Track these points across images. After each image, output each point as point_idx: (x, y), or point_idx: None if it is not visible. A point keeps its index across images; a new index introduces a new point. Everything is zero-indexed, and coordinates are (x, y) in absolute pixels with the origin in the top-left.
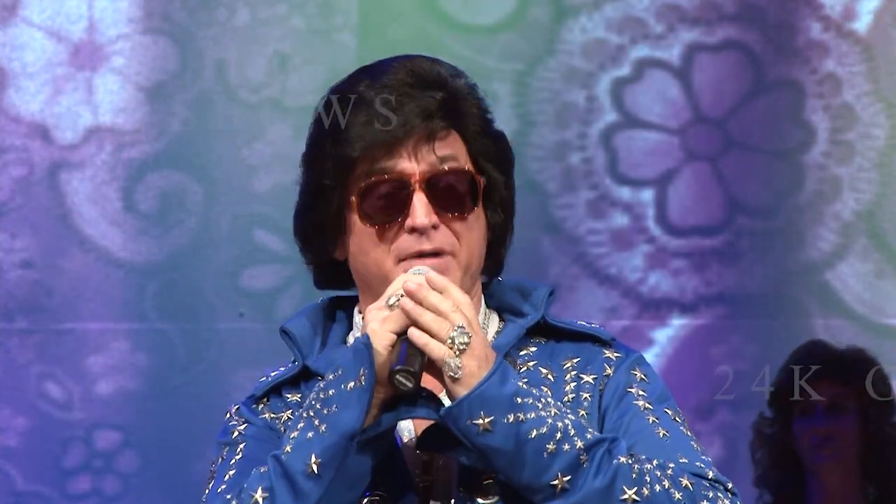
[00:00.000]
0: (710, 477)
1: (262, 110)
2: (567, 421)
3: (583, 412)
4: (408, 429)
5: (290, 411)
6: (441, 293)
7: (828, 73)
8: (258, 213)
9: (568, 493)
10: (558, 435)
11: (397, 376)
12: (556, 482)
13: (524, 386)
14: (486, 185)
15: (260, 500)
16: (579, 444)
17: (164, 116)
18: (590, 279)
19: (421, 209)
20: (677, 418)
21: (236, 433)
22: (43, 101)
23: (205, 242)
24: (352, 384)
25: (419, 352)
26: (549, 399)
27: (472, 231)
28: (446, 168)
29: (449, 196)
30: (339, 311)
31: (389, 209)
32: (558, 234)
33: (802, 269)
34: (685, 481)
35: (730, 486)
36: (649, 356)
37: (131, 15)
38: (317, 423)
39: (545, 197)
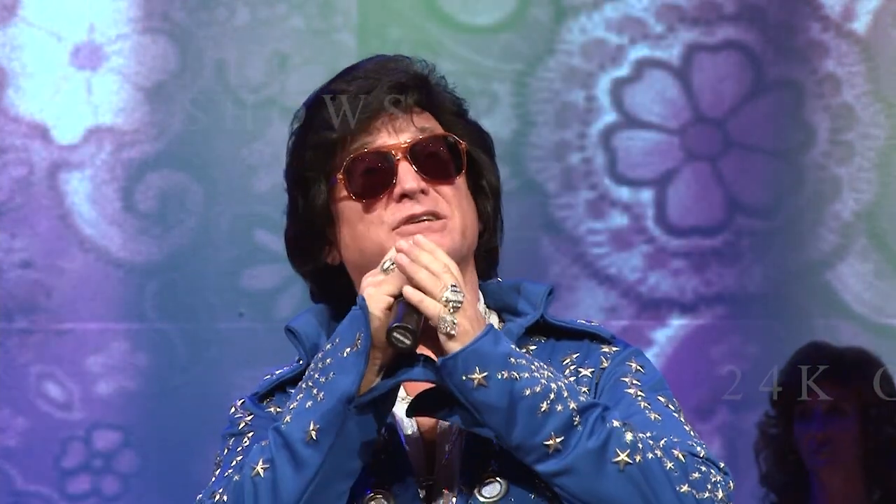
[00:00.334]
0: (701, 455)
1: (262, 110)
2: (561, 383)
3: None
4: (410, 426)
5: None
6: (430, 254)
7: (827, 73)
8: (258, 213)
9: (560, 454)
10: (552, 395)
11: (394, 333)
12: (549, 442)
13: (517, 349)
14: (473, 165)
15: (261, 472)
16: (573, 405)
17: (163, 116)
18: (589, 279)
19: (408, 175)
20: (671, 405)
21: (243, 424)
22: (43, 101)
23: (205, 242)
24: (348, 350)
25: (416, 311)
26: (543, 364)
27: (462, 198)
28: (427, 137)
29: (433, 163)
30: (345, 310)
31: (376, 183)
32: (558, 234)
33: (802, 269)
34: (678, 453)
35: (721, 465)
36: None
37: (131, 15)
38: (315, 391)
39: (545, 197)
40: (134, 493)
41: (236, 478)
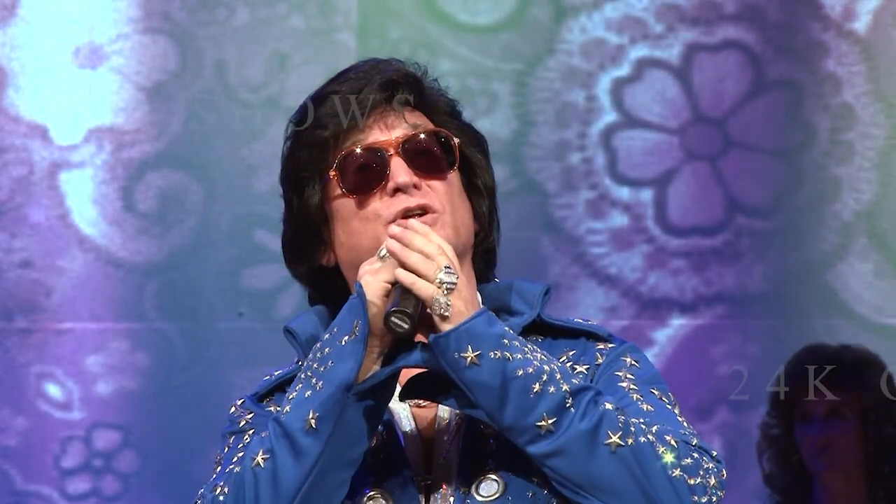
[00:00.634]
0: (694, 443)
1: (261, 110)
2: (554, 366)
3: None
4: (409, 424)
5: None
6: (424, 237)
7: (827, 72)
8: (258, 213)
9: (553, 435)
10: (544, 377)
11: (392, 318)
12: (541, 423)
13: (510, 331)
14: (467, 164)
15: (261, 462)
16: (565, 387)
17: (163, 116)
18: (589, 279)
19: (400, 170)
20: (664, 398)
21: (243, 422)
22: (43, 101)
23: (205, 242)
24: (346, 338)
25: (413, 296)
26: (536, 348)
27: (455, 194)
28: (419, 132)
29: (426, 158)
30: None
31: (369, 179)
32: (558, 234)
33: (802, 269)
34: (670, 439)
35: (714, 453)
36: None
37: (131, 15)
38: (314, 381)
39: (545, 197)
40: (134, 493)
41: (237, 469)
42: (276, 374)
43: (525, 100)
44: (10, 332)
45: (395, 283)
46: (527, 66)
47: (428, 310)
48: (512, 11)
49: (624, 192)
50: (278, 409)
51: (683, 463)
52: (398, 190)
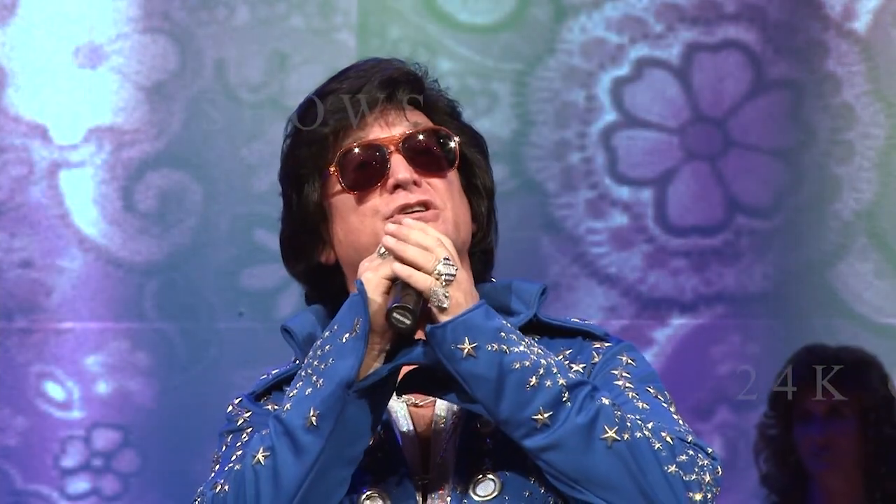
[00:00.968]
0: (689, 440)
1: (261, 110)
2: (551, 360)
3: None
4: (406, 423)
5: None
6: (421, 231)
7: (827, 72)
8: (258, 213)
9: (549, 429)
10: (541, 371)
11: (394, 314)
12: (537, 416)
13: (508, 325)
14: (466, 163)
15: (261, 460)
16: (562, 381)
17: (163, 116)
18: (589, 279)
19: (400, 166)
20: (660, 396)
21: (241, 420)
22: (43, 101)
23: (204, 242)
24: (347, 335)
25: (414, 291)
26: (533, 342)
27: (454, 192)
28: (419, 130)
29: (426, 156)
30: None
31: (369, 175)
32: (558, 233)
33: (802, 269)
34: (666, 436)
35: (710, 450)
36: (649, 356)
37: (131, 14)
38: (314, 378)
39: (545, 197)
40: (134, 492)
41: (237, 467)
42: (273, 372)
43: (525, 100)
44: (10, 332)
45: (396, 280)
46: (527, 66)
47: (427, 304)
48: (512, 11)
49: (624, 192)
50: (276, 407)
51: (679, 459)
52: (398, 186)
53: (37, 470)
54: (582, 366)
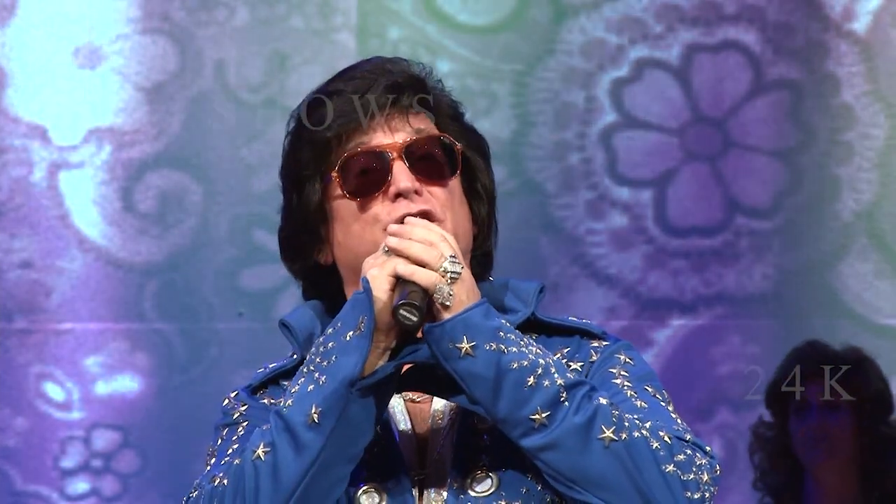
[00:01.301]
0: (687, 439)
1: (261, 110)
2: (549, 360)
3: None
4: (403, 419)
5: None
6: (424, 228)
7: (827, 73)
8: (257, 213)
9: (546, 429)
10: (539, 370)
11: (401, 311)
12: (535, 416)
13: (507, 324)
14: (468, 168)
15: (262, 455)
16: (560, 381)
17: (163, 116)
18: (589, 279)
19: (402, 175)
20: (658, 395)
21: (237, 414)
22: (43, 101)
23: (204, 242)
24: (351, 333)
25: (420, 288)
26: (531, 341)
27: (455, 201)
28: (423, 137)
29: (428, 164)
30: (338, 306)
31: (371, 182)
32: (557, 234)
33: (802, 269)
34: (664, 435)
35: (708, 449)
36: (648, 357)
37: (131, 15)
38: (317, 375)
39: (544, 197)
40: (134, 493)
41: (237, 461)
42: (271, 366)
43: (525, 100)
44: (9, 332)
45: (400, 277)
46: (526, 67)
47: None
48: (512, 12)
49: (623, 193)
50: (272, 401)
51: (677, 459)
52: (399, 195)
53: (36, 470)
54: (580, 364)
